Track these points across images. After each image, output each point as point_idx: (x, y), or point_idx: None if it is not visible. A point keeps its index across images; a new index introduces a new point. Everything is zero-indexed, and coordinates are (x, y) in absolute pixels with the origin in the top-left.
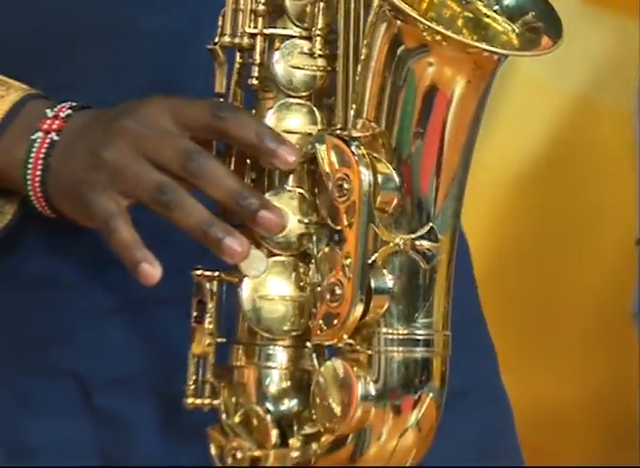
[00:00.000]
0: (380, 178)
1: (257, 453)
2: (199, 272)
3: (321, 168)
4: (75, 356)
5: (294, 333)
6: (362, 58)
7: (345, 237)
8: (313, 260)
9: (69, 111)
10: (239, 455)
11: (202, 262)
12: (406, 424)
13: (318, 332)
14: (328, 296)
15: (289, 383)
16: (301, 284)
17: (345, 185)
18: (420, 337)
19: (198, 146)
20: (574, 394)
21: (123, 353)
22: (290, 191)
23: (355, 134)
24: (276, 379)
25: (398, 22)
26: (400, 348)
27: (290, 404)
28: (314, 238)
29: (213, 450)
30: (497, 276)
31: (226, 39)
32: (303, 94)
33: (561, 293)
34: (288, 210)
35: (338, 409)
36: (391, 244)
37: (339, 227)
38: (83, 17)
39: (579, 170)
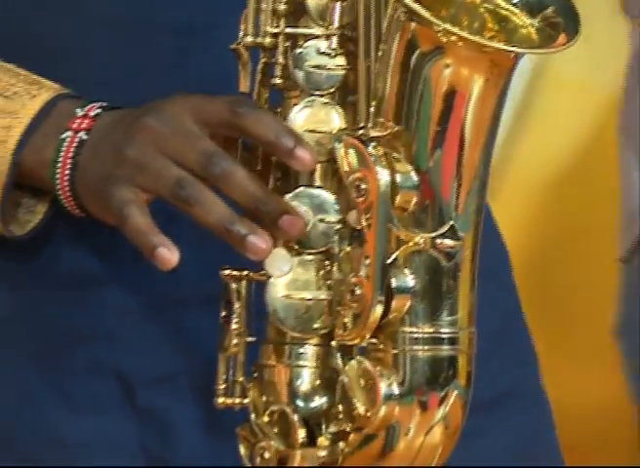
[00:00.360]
0: (398, 178)
1: (284, 453)
2: (227, 272)
3: (339, 168)
4: (118, 354)
5: (321, 332)
6: (380, 56)
7: (365, 237)
8: (337, 259)
9: (99, 110)
10: (267, 455)
11: (240, 260)
12: (433, 420)
13: (340, 332)
14: (348, 296)
15: (318, 382)
16: (327, 283)
17: (363, 186)
18: (445, 336)
19: (219, 149)
20: (606, 393)
21: (166, 351)
22: (312, 190)
23: (374, 133)
24: (305, 378)
25: (413, 24)
26: (425, 347)
27: (318, 402)
28: (337, 237)
29: (242, 450)
30: (530, 275)
31: (249, 39)
32: (327, 92)
33: (594, 293)
34: (311, 209)
35: (362, 409)
36: (411, 243)
37: (358, 227)
38: (118, 16)
39: (614, 169)
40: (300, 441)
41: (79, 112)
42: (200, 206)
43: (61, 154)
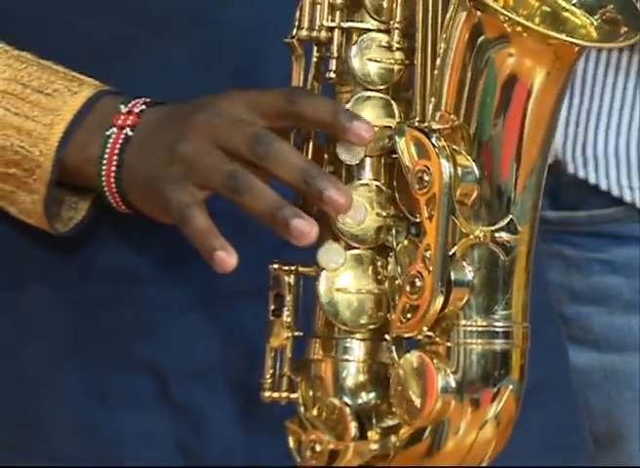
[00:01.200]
0: (459, 171)
1: (335, 446)
2: (277, 266)
3: (401, 160)
4: (154, 348)
5: (371, 327)
6: (440, 50)
7: (426, 229)
8: (392, 253)
9: (143, 107)
10: (318, 448)
11: (281, 256)
12: (485, 417)
13: (398, 324)
14: (408, 288)
15: (366, 376)
16: (379, 277)
17: (426, 177)
18: (500, 329)
19: (267, 130)
20: None
21: (201, 346)
22: (367, 184)
23: (435, 126)
24: (353, 372)
25: (478, 13)
26: (479, 340)
27: (368, 397)
28: (393, 231)
29: (291, 444)
30: None
31: (304, 33)
32: (381, 87)
33: None
34: (365, 202)
35: (418, 402)
36: (471, 236)
37: (418, 220)
38: (160, 11)
39: None
40: (353, 434)
41: (123, 109)
42: (250, 194)
43: (107, 151)
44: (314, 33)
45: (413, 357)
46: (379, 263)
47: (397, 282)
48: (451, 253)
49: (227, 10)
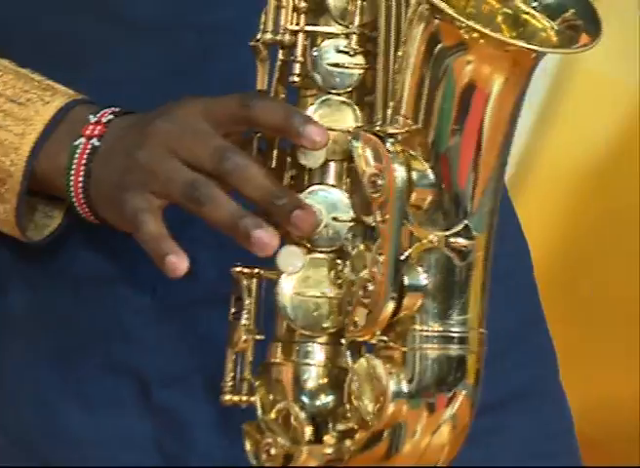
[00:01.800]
0: (414, 175)
1: (290, 450)
2: (238, 269)
3: (356, 164)
4: (134, 353)
5: (331, 331)
6: (400, 55)
7: (379, 234)
8: (350, 257)
9: (111, 116)
10: (273, 451)
11: (259, 263)
12: (439, 421)
13: (351, 329)
14: (361, 293)
15: (325, 380)
16: (339, 281)
17: (379, 182)
18: (455, 335)
19: (232, 145)
20: (632, 393)
21: (181, 350)
22: (326, 188)
23: (391, 130)
24: (313, 376)
25: (436, 21)
26: (435, 345)
27: (326, 400)
28: (350, 235)
29: (248, 446)
30: (558, 272)
31: (268, 36)
32: (343, 91)
33: (623, 291)
34: (324, 207)
35: (370, 406)
36: (425, 240)
37: (372, 224)
38: (142, 14)
39: None
40: (307, 438)
41: (92, 118)
42: (210, 204)
43: (75, 161)
44: (278, 36)
45: (366, 361)
46: (338, 268)
47: (354, 285)
48: (403, 258)
49: (212, 13)
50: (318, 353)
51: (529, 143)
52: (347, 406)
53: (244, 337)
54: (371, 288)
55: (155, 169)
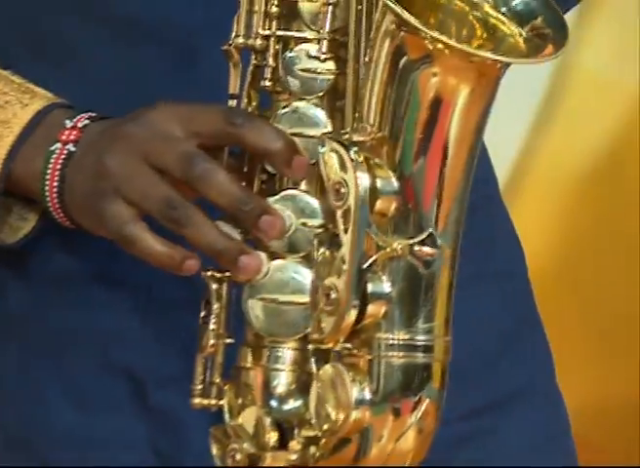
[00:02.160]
0: (379, 183)
1: (254, 455)
2: (209, 273)
3: (321, 171)
4: (129, 354)
5: (296, 336)
6: (367, 62)
7: (342, 241)
8: (317, 263)
9: (87, 121)
10: (238, 457)
11: None
12: (405, 426)
13: (315, 336)
14: (323, 300)
15: (293, 385)
16: (305, 287)
17: (342, 190)
18: (420, 343)
19: (200, 151)
20: (629, 393)
21: (176, 351)
22: (296, 194)
23: (356, 138)
24: (281, 381)
25: (401, 32)
26: (399, 353)
27: (293, 406)
28: (315, 241)
29: (214, 450)
30: (556, 274)
31: (240, 40)
32: (313, 96)
33: (621, 292)
34: (292, 212)
35: (333, 413)
36: (389, 249)
37: (336, 231)
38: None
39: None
40: (272, 444)
41: (68, 123)
42: (191, 227)
43: (50, 166)
44: (250, 41)
45: (330, 369)
46: (304, 273)
47: (317, 292)
48: (366, 266)
49: (199, 13)
50: (287, 358)
51: (528, 144)
52: (312, 412)
53: (212, 341)
54: (333, 295)
55: (127, 178)
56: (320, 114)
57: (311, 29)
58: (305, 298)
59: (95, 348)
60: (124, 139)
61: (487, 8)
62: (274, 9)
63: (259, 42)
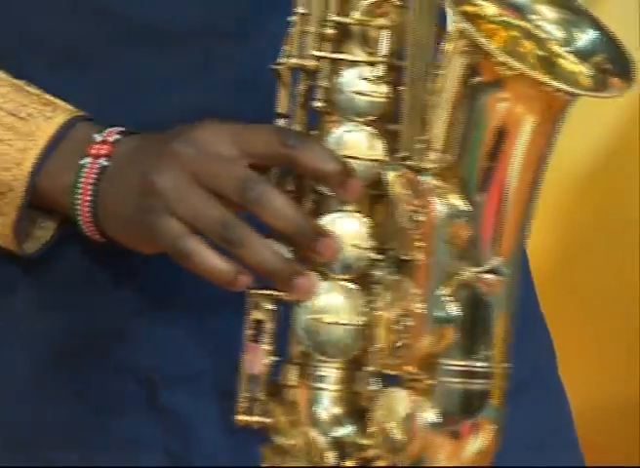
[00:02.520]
0: (451, 210)
1: None
2: (259, 292)
3: (392, 197)
4: (141, 354)
5: (348, 357)
6: (434, 87)
7: (416, 268)
8: (377, 287)
9: (118, 136)
10: None
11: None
12: (463, 450)
13: (384, 362)
14: (396, 327)
15: (341, 406)
16: (359, 308)
17: (417, 217)
18: (479, 369)
19: (256, 174)
20: (630, 393)
21: (188, 352)
22: (348, 215)
23: (427, 165)
24: (328, 401)
25: (475, 56)
26: (459, 379)
27: (342, 426)
28: (381, 265)
29: None
30: (557, 275)
31: (293, 60)
32: (365, 119)
33: (620, 292)
34: (344, 234)
35: (399, 437)
36: (459, 276)
37: (407, 257)
38: (132, 16)
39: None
40: (329, 463)
41: (97, 138)
42: (246, 248)
43: (81, 180)
44: (303, 61)
45: (393, 392)
46: (358, 295)
47: (383, 316)
48: (440, 293)
49: (211, 19)
50: (333, 378)
51: None
52: (371, 434)
53: (265, 361)
54: (408, 322)
55: (180, 196)
56: (371, 137)
57: (363, 51)
58: (356, 319)
59: (105, 349)
60: (173, 158)
61: (552, 45)
62: (329, 31)
63: (311, 63)
